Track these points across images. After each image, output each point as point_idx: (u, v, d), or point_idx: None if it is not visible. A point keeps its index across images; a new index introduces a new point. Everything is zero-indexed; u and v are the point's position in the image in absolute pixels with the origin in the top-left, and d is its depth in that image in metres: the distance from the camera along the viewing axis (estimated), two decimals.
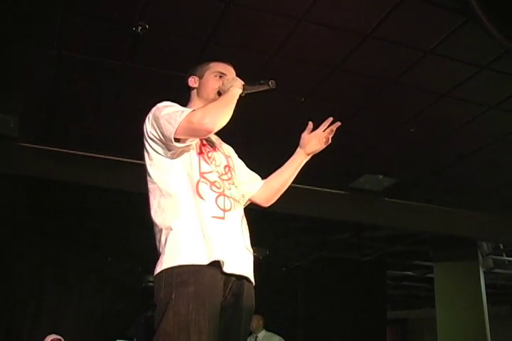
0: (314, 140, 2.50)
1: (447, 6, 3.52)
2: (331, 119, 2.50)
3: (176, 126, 2.10)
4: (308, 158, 2.55)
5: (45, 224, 7.32)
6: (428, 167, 5.92)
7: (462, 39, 3.82)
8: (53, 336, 5.99)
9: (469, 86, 4.37)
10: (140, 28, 3.69)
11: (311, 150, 2.52)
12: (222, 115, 2.15)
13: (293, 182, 2.56)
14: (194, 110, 2.17)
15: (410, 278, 10.74)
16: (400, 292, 11.88)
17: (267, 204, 2.58)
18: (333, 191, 6.51)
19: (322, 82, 4.38)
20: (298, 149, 2.54)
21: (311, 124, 2.51)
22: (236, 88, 2.28)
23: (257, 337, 7.03)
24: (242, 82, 2.32)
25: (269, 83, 2.30)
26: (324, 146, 2.51)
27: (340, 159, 5.54)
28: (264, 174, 2.60)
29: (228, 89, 2.28)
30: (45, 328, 7.24)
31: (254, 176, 2.58)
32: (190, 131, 2.13)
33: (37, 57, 4.12)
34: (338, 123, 2.48)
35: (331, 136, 2.50)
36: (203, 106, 2.23)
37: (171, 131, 2.11)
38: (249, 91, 2.34)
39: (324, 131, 2.50)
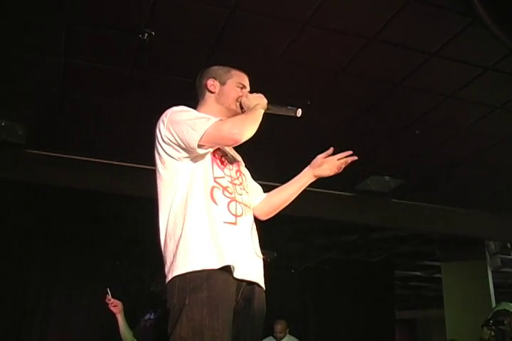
0: (327, 165, 2.51)
1: (451, 8, 3.54)
2: (350, 153, 2.50)
3: (202, 132, 2.11)
4: (314, 179, 2.54)
5: (53, 230, 7.33)
6: (434, 168, 5.92)
7: (467, 41, 3.83)
8: None
9: (474, 87, 4.37)
10: (146, 35, 3.71)
11: (319, 172, 2.52)
12: (249, 129, 2.18)
13: None
14: (221, 120, 2.20)
15: (418, 278, 10.72)
16: (408, 292, 11.86)
17: (264, 218, 2.56)
18: (340, 193, 6.51)
19: (327, 85, 4.40)
20: (307, 169, 2.55)
21: (331, 150, 2.50)
22: (262, 108, 2.30)
23: None
24: (266, 101, 2.33)
25: (297, 111, 2.30)
26: (333, 173, 2.52)
27: None
28: (264, 181, 2.58)
29: (255, 107, 2.29)
30: (54, 335, 7.26)
31: (258, 188, 2.58)
32: (218, 138, 2.16)
33: (44, 65, 4.15)
34: (355, 158, 2.49)
35: (343, 166, 2.51)
36: (231, 118, 2.26)
37: (195, 138, 2.11)
38: (270, 112, 2.33)
39: (339, 159, 2.50)
